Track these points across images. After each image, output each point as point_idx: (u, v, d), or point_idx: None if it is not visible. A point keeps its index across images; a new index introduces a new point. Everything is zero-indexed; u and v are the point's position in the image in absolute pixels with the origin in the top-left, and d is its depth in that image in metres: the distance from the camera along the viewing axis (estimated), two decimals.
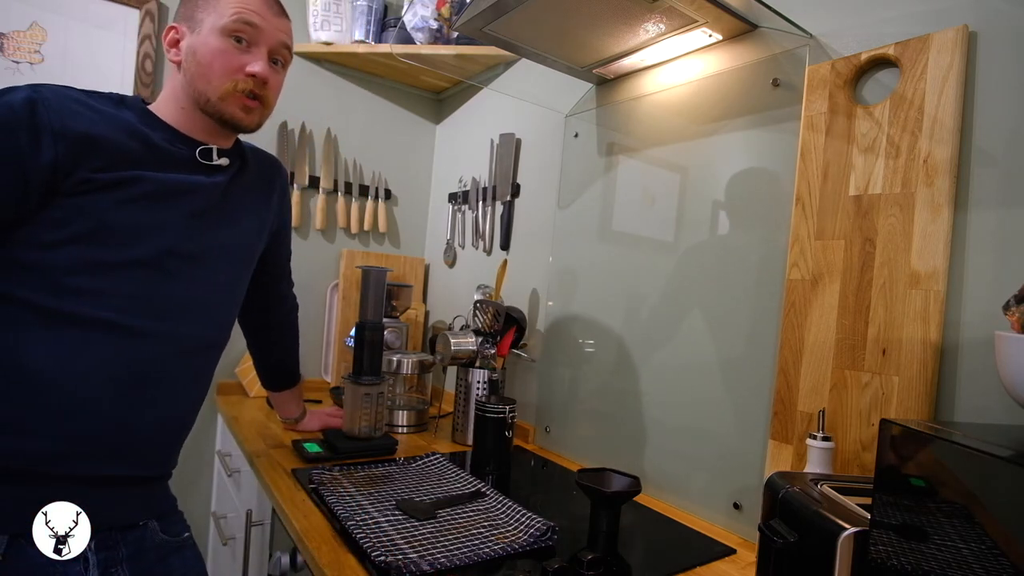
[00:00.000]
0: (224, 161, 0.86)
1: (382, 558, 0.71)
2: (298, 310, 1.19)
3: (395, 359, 1.45)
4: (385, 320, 1.39)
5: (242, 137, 0.95)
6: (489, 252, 1.65)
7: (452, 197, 1.84)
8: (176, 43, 0.83)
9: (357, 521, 0.82)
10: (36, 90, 0.71)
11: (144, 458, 0.79)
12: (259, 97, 0.84)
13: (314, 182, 1.76)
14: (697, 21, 0.97)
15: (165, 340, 0.78)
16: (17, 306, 0.70)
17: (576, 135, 1.36)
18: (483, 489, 0.98)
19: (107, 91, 0.81)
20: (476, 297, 1.48)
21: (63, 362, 0.70)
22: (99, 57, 1.46)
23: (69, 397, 0.71)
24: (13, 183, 0.68)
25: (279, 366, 1.19)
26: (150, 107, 0.83)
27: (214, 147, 0.85)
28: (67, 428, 0.71)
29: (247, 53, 0.82)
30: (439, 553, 0.75)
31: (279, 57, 0.86)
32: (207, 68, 0.80)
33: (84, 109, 0.73)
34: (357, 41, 1.70)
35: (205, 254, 0.84)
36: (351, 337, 1.54)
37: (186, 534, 0.88)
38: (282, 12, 0.87)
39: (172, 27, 0.83)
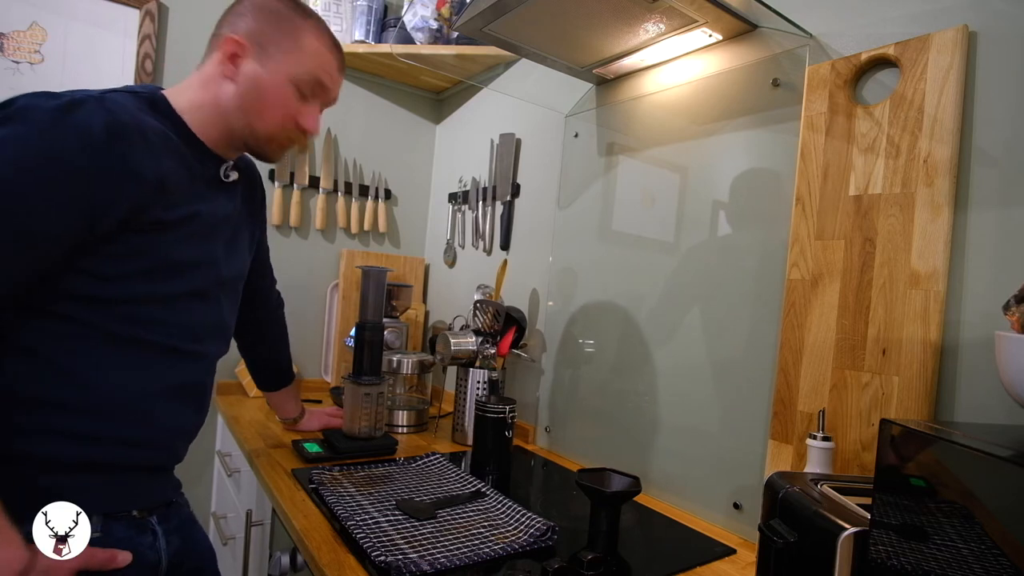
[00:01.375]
0: (235, 175, 0.87)
1: (382, 558, 0.71)
2: (284, 307, 1.19)
3: (395, 359, 1.45)
4: (385, 320, 1.39)
5: None
6: (489, 252, 1.65)
7: (452, 197, 1.84)
8: (235, 58, 0.79)
9: (357, 521, 0.82)
10: (112, 113, 0.67)
11: (179, 452, 0.86)
12: (298, 143, 0.87)
13: (314, 182, 1.76)
14: (697, 21, 0.97)
15: (204, 359, 0.85)
16: (84, 328, 0.72)
17: (576, 135, 1.36)
18: (483, 489, 0.98)
19: (132, 86, 0.79)
20: (476, 297, 1.48)
21: (129, 381, 0.75)
22: (99, 57, 1.47)
23: (133, 411, 0.76)
24: (81, 222, 0.66)
25: (271, 365, 1.19)
26: (173, 103, 0.79)
27: (230, 162, 0.86)
28: (129, 435, 0.76)
29: (304, 103, 0.83)
30: (439, 553, 0.75)
31: (325, 108, 0.89)
32: (265, 108, 0.80)
33: (150, 133, 0.71)
34: (357, 41, 1.70)
35: (231, 279, 0.89)
36: (351, 337, 1.54)
37: (191, 509, 0.95)
38: (344, 66, 0.89)
39: (236, 40, 0.79)
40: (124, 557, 0.72)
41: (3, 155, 0.62)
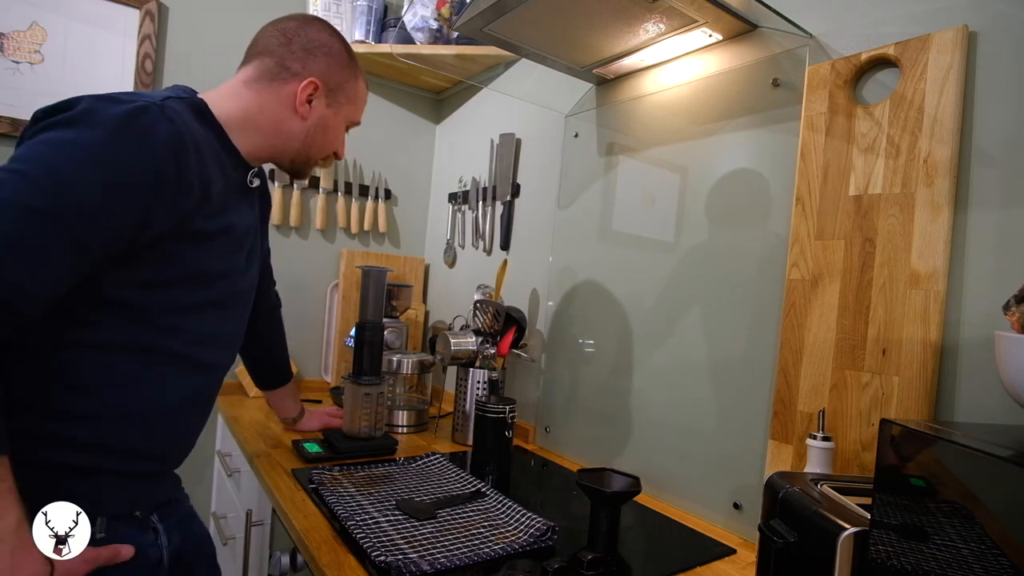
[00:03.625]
0: (258, 182, 0.89)
1: (382, 558, 0.71)
2: (281, 308, 1.19)
3: (395, 359, 1.45)
4: (385, 320, 1.39)
5: None
6: (489, 252, 1.65)
7: (452, 197, 1.84)
8: (310, 100, 0.86)
9: (357, 521, 0.82)
10: (173, 123, 0.68)
11: (182, 459, 0.87)
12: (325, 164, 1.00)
13: (314, 182, 1.76)
14: (697, 21, 0.97)
15: (219, 370, 0.87)
16: (104, 336, 0.71)
17: (576, 135, 1.36)
18: (483, 489, 0.98)
19: (175, 89, 0.79)
20: (476, 297, 1.48)
21: (144, 394, 0.75)
22: (99, 57, 1.46)
23: (150, 425, 0.77)
24: (133, 230, 0.67)
25: (268, 364, 1.19)
26: (214, 110, 0.80)
27: (255, 168, 0.88)
28: (140, 447, 0.77)
29: (340, 135, 0.95)
30: (439, 553, 0.75)
31: None
32: (324, 144, 0.91)
33: (201, 142, 0.73)
34: (357, 41, 1.70)
35: (249, 289, 0.91)
36: (351, 337, 1.54)
37: (190, 503, 0.96)
38: None
39: (314, 83, 0.86)
40: (127, 550, 0.73)
41: (68, 158, 0.62)
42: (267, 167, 1.69)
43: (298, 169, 0.93)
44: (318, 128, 0.89)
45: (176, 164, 0.68)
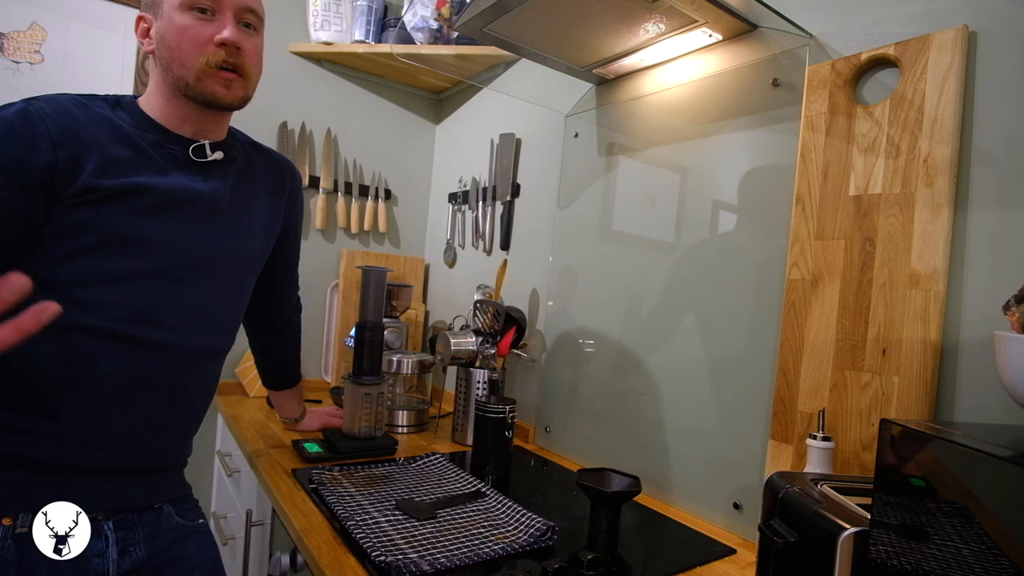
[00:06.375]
0: (218, 155, 0.84)
1: (382, 558, 0.71)
2: (301, 311, 1.19)
3: (395, 359, 1.45)
4: (385, 320, 1.39)
5: (247, 132, 0.95)
6: (489, 252, 1.65)
7: (452, 197, 1.84)
8: (147, 33, 0.81)
9: (357, 521, 0.82)
10: (30, 102, 0.71)
11: (153, 453, 0.81)
12: (236, 68, 0.80)
13: (314, 182, 1.76)
14: (697, 21, 0.97)
15: (171, 349, 0.80)
16: None
17: (576, 135, 1.36)
18: (483, 489, 0.98)
19: (104, 93, 0.81)
20: (476, 297, 1.48)
21: (72, 373, 0.72)
22: (99, 57, 1.46)
23: (78, 407, 0.73)
24: (13, 190, 0.68)
25: (281, 366, 1.19)
26: (140, 103, 0.82)
27: (207, 143, 0.83)
28: (76, 433, 0.73)
29: (212, 23, 0.78)
30: (439, 553, 0.75)
31: (247, 20, 0.82)
32: (176, 50, 0.78)
33: (80, 113, 0.73)
34: (357, 41, 1.70)
35: (213, 261, 0.84)
36: (351, 337, 1.54)
37: (201, 520, 0.90)
38: None
39: (140, 17, 0.81)
40: (52, 306, 0.53)
41: None
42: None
43: (201, 95, 0.80)
44: (160, 46, 0.79)
45: (28, 128, 0.69)
